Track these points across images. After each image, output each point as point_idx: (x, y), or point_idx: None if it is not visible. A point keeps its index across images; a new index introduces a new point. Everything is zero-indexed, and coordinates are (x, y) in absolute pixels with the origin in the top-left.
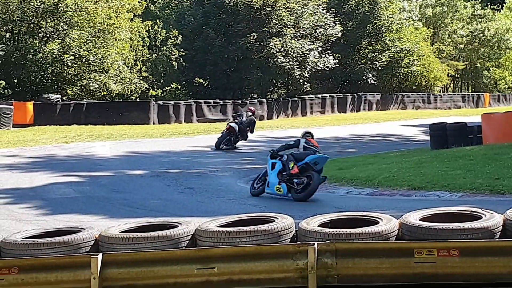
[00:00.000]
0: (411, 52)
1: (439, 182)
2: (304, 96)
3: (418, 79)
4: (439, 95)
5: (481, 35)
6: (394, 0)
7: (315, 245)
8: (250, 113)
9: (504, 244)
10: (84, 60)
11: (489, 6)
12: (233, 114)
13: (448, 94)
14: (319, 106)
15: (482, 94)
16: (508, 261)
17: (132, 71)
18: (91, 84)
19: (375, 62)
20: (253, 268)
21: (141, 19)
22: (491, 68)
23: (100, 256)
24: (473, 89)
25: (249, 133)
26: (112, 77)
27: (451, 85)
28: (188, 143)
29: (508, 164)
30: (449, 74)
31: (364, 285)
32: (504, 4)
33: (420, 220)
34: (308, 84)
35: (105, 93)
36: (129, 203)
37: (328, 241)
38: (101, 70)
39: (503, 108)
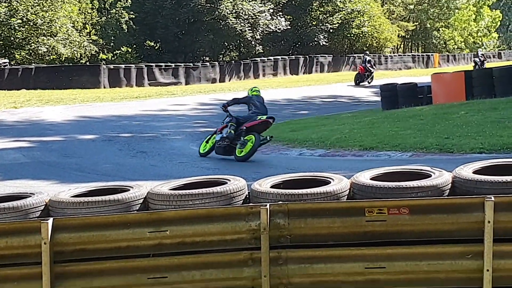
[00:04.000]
0: (361, 13)
1: (390, 142)
2: (256, 59)
3: (369, 41)
4: (390, 56)
5: None
6: None
7: (268, 206)
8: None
9: (452, 201)
10: (31, 24)
11: None
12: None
13: (399, 55)
14: (271, 68)
15: (432, 55)
16: (457, 218)
17: (81, 34)
18: (39, 48)
19: (326, 24)
20: (205, 230)
21: None
22: (440, 29)
23: (50, 221)
24: (423, 50)
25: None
26: (61, 40)
27: (402, 46)
28: (139, 107)
29: (457, 123)
30: (399, 35)
31: (316, 244)
32: None
33: (371, 179)
34: (260, 47)
35: (54, 57)
36: (80, 168)
37: (280, 202)
38: (49, 34)
39: (452, 68)
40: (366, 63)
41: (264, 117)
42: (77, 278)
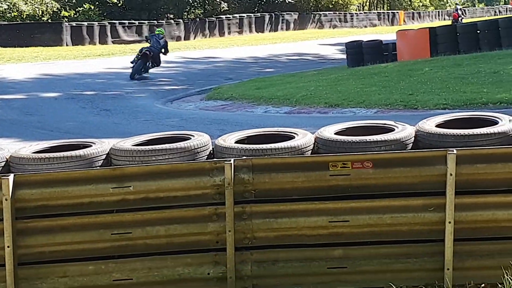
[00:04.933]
0: None
1: (355, 99)
2: (222, 16)
3: None
4: (355, 13)
5: None
6: None
7: (232, 161)
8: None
9: (415, 155)
10: None
11: None
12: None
13: (364, 13)
14: (236, 26)
15: (397, 12)
16: (420, 171)
17: None
18: (0, 5)
19: None
20: (169, 185)
21: None
22: None
23: (11, 177)
24: (388, 7)
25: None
26: None
27: (367, 3)
28: (103, 65)
29: (421, 80)
30: None
31: (281, 199)
32: None
33: (335, 134)
34: (225, 4)
35: (15, 14)
36: (43, 125)
37: (244, 157)
38: None
39: (417, 25)
40: (458, 10)
41: (144, 49)
42: (39, 234)
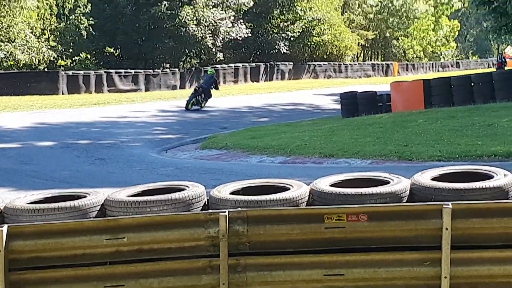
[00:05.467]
0: (322, 22)
1: (349, 149)
2: (217, 66)
3: (329, 49)
4: (350, 64)
5: (390, 5)
6: None
7: (226, 213)
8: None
9: (411, 208)
10: None
11: None
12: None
13: (359, 63)
14: (232, 75)
15: (391, 63)
16: (415, 224)
17: (39, 40)
18: None
19: (287, 32)
20: (163, 237)
21: None
22: (399, 38)
23: (5, 228)
24: (382, 58)
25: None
26: (19, 46)
27: (361, 54)
28: (98, 114)
29: (416, 131)
30: (359, 44)
31: (275, 251)
32: None
33: (330, 186)
34: (221, 54)
35: (12, 63)
36: (38, 174)
37: (239, 209)
38: (7, 40)
39: (411, 76)
40: (503, 59)
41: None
42: (32, 286)
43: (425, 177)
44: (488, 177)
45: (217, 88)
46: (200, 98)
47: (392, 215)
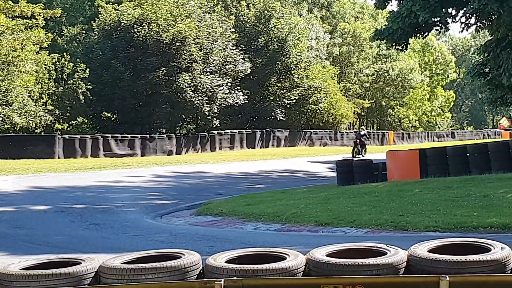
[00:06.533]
0: (318, 90)
1: (345, 218)
2: (213, 132)
3: (325, 116)
4: (346, 132)
5: (386, 74)
6: (302, 38)
7: (222, 282)
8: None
9: (408, 280)
10: None
11: (393, 46)
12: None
13: (354, 132)
14: (228, 141)
15: (386, 132)
16: None
17: (37, 104)
18: None
19: (283, 99)
20: None
21: (47, 51)
22: (395, 107)
23: None
24: (378, 127)
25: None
26: (16, 110)
27: (357, 122)
28: (94, 178)
29: (411, 201)
30: (355, 112)
31: None
32: (408, 45)
33: (327, 256)
34: (218, 120)
35: (8, 126)
36: (31, 239)
37: (235, 278)
38: (4, 103)
39: (406, 146)
40: (361, 137)
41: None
42: None
43: (422, 249)
44: (486, 250)
45: (368, 140)
46: (359, 147)
47: (389, 286)
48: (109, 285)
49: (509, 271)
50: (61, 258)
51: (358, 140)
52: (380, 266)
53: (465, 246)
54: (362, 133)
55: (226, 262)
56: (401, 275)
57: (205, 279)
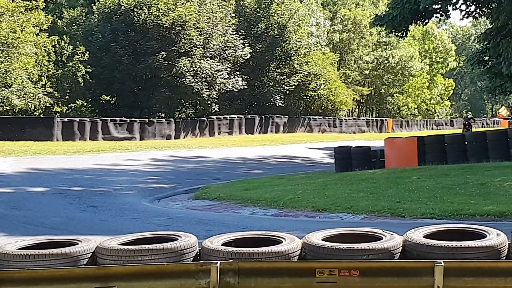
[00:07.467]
0: (318, 76)
1: (342, 204)
2: (212, 117)
3: (324, 103)
4: (345, 119)
5: (386, 62)
6: (303, 24)
7: (218, 264)
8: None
9: (403, 265)
10: None
11: (393, 33)
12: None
13: (353, 119)
14: (227, 127)
15: (385, 120)
16: (407, 281)
17: (36, 86)
18: None
19: (283, 85)
20: (154, 286)
21: (47, 34)
22: (394, 94)
23: None
24: (377, 114)
25: None
26: (16, 92)
27: (356, 109)
28: (92, 161)
29: (409, 188)
30: (354, 99)
31: None
32: (407, 32)
33: (323, 240)
34: (217, 105)
35: (7, 108)
36: (29, 220)
37: (231, 260)
38: (3, 85)
39: (405, 133)
40: (468, 120)
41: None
42: None
43: (417, 234)
44: (481, 236)
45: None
46: (468, 129)
47: (384, 271)
48: (106, 266)
49: (504, 257)
50: (58, 239)
51: (466, 123)
52: (376, 251)
53: (460, 232)
54: (469, 117)
55: (223, 245)
56: (396, 260)
57: (201, 261)
